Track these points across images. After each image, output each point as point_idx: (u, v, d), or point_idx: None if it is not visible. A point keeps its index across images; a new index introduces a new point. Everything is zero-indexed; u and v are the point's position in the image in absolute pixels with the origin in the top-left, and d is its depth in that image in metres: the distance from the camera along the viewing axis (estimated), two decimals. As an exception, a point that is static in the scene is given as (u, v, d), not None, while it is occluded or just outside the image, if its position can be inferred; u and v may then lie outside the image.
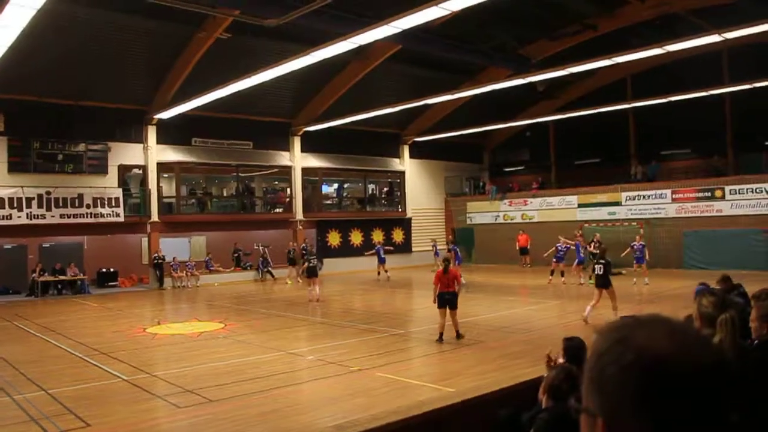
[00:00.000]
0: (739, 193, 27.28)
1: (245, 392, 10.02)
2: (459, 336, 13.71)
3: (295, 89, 29.61)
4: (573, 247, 24.85)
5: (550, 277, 24.66)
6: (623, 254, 23.74)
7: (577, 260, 24.45)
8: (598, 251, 19.88)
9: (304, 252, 31.46)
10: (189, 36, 23.69)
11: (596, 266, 15.90)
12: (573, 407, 1.19)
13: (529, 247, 31.39)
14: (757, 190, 26.75)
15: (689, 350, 1.03)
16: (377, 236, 35.39)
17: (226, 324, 17.30)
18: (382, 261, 29.25)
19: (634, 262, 23.49)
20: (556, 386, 4.46)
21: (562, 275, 24.49)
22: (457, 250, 31.69)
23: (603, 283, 15.39)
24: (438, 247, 31.10)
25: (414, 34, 19.22)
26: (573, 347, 5.59)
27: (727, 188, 27.69)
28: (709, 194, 28.20)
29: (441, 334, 13.67)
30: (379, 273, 29.18)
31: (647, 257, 23.39)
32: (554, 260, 24.91)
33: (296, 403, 9.73)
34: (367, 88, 29.76)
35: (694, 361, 1.02)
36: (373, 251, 30.10)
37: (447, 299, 13.71)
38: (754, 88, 24.97)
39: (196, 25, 22.78)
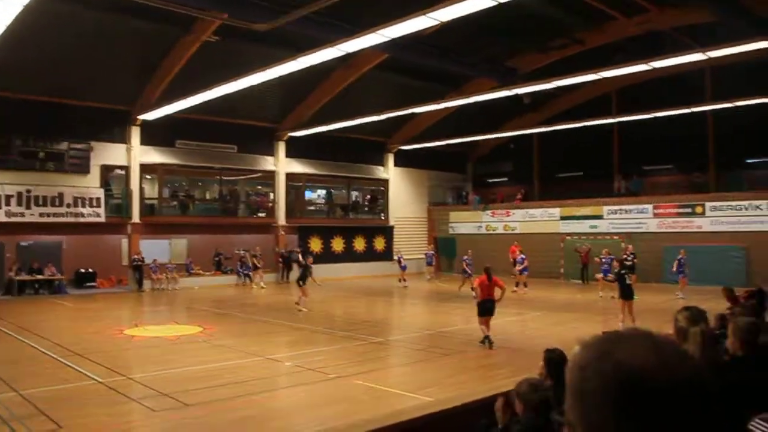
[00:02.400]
0: (720, 210, 27.60)
1: (222, 397, 9.94)
2: (490, 341, 13.90)
3: (282, 94, 29.55)
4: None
5: (601, 293, 23.78)
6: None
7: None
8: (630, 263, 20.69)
9: (281, 258, 31.56)
10: (177, 37, 23.57)
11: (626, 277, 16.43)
12: (556, 420, 1.19)
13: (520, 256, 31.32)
14: (737, 208, 27.08)
15: (668, 365, 1.04)
16: (359, 244, 35.46)
17: (205, 328, 17.17)
18: (404, 269, 29.86)
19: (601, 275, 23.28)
20: (526, 398, 4.49)
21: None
22: (432, 255, 32.09)
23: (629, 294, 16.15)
24: (404, 259, 30.79)
25: (402, 43, 19.24)
26: (554, 359, 5.63)
27: (708, 204, 27.99)
28: (690, 210, 28.51)
29: (486, 337, 13.92)
30: (400, 281, 29.63)
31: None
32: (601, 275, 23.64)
33: (273, 409, 9.67)
34: (353, 96, 29.77)
35: (673, 377, 1.02)
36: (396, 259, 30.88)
37: (488, 307, 13.94)
38: (736, 106, 25.32)
39: (184, 27, 22.66)
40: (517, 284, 25.25)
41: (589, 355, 1.09)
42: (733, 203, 27.25)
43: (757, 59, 24.20)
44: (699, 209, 28.18)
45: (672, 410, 1.00)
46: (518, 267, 25.77)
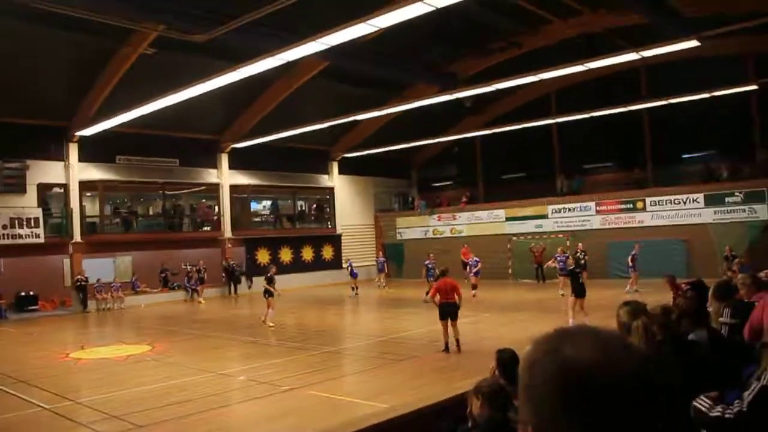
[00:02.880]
0: (659, 205, 28.42)
1: (175, 416, 9.76)
2: (458, 347, 13.87)
3: (223, 106, 29.21)
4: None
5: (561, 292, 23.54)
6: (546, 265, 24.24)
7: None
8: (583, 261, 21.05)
9: (226, 272, 31.23)
10: (112, 51, 23.05)
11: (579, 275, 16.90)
12: (512, 419, 1.21)
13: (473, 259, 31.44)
14: (676, 202, 27.91)
15: (613, 360, 1.05)
16: (307, 254, 35.34)
17: (154, 346, 16.84)
18: (354, 276, 29.34)
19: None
20: (487, 396, 4.55)
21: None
22: (383, 261, 32.01)
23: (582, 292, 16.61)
24: (354, 266, 30.27)
25: (342, 50, 19.25)
26: (505, 359, 5.72)
27: (648, 199, 28.80)
28: (631, 206, 29.27)
29: (447, 344, 13.89)
30: (352, 288, 29.10)
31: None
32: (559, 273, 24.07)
33: (228, 425, 9.53)
34: (296, 105, 29.61)
35: (618, 372, 1.04)
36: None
37: (448, 311, 13.82)
38: (670, 103, 26.15)
39: (120, 40, 22.19)
40: (474, 287, 25.00)
41: (538, 352, 1.10)
42: (672, 197, 28.10)
43: (688, 58, 25.05)
44: (640, 204, 28.97)
45: (617, 404, 1.01)
46: (472, 270, 25.69)
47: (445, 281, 14.11)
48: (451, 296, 13.81)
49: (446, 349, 13.91)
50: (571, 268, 18.34)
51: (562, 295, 22.90)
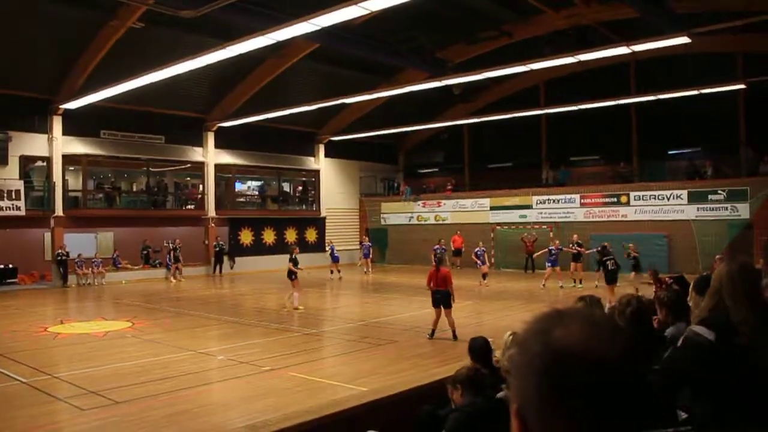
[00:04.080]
0: (643, 199, 28.56)
1: (153, 393, 9.73)
2: (455, 337, 13.65)
3: (210, 84, 29.02)
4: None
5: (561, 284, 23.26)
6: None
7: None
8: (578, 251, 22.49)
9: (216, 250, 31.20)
10: (100, 23, 22.73)
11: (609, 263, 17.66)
12: (504, 397, 1.22)
13: (463, 248, 31.53)
14: (660, 197, 28.06)
15: (598, 342, 1.05)
16: (290, 235, 35.26)
17: (134, 323, 16.78)
18: (335, 260, 29.06)
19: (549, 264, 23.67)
20: (465, 382, 4.62)
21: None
22: (369, 246, 31.91)
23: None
24: (336, 249, 30.06)
25: (332, 32, 19.15)
26: (477, 346, 5.83)
27: (632, 194, 28.93)
28: (615, 200, 29.40)
29: (433, 331, 13.97)
30: (332, 272, 28.82)
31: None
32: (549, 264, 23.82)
33: (206, 404, 9.52)
34: (284, 86, 29.48)
35: (601, 354, 1.03)
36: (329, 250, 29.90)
37: (438, 298, 13.87)
38: (658, 99, 26.26)
39: (108, 13, 21.93)
40: (484, 276, 24.79)
41: (528, 332, 1.11)
42: (656, 193, 28.24)
43: (677, 54, 25.16)
44: (624, 199, 29.11)
45: (601, 387, 1.01)
46: (479, 258, 25.04)
47: (439, 270, 14.06)
48: (442, 285, 13.84)
49: (432, 335, 13.94)
50: (598, 258, 18.72)
51: (562, 287, 22.77)
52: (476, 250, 25.87)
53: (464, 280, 24.23)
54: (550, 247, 24.07)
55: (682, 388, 2.91)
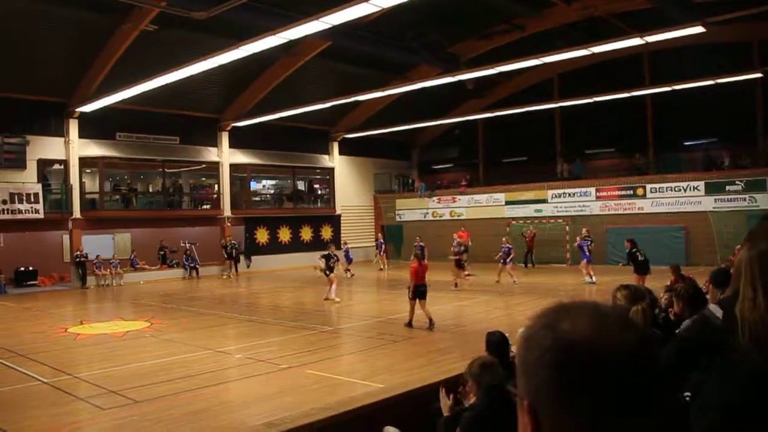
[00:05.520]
0: (659, 192, 28.34)
1: (172, 392, 9.81)
2: (432, 324, 14.48)
3: (224, 84, 29.13)
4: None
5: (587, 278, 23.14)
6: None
7: (585, 259, 23.19)
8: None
9: (227, 251, 31.16)
10: (114, 27, 22.90)
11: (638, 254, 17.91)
12: (513, 392, 1.21)
13: (470, 243, 31.28)
14: (676, 189, 27.84)
15: (607, 336, 1.04)
16: (305, 234, 35.32)
17: (152, 323, 16.90)
18: (350, 261, 29.16)
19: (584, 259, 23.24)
20: (478, 378, 4.62)
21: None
22: (383, 242, 31.88)
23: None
24: (350, 251, 29.92)
25: (344, 30, 19.17)
26: (494, 341, 5.82)
27: (648, 186, 28.72)
28: (632, 192, 29.21)
29: (410, 321, 14.83)
30: (346, 271, 28.40)
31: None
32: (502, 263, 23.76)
33: (225, 402, 9.58)
34: (297, 84, 29.54)
35: (611, 348, 1.03)
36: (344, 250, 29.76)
37: (423, 291, 14.62)
38: (673, 90, 26.03)
39: (121, 16, 22.07)
40: (500, 274, 24.16)
41: (535, 326, 1.10)
42: (672, 184, 28.01)
43: (692, 44, 24.93)
44: (640, 191, 28.91)
45: (610, 381, 1.00)
46: (504, 257, 23.86)
47: (422, 265, 14.84)
48: (424, 279, 14.77)
49: (409, 324, 14.76)
50: (628, 249, 18.62)
51: (586, 282, 22.68)
52: (503, 247, 24.23)
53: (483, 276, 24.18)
54: (503, 246, 23.74)
55: (692, 358, 2.91)
